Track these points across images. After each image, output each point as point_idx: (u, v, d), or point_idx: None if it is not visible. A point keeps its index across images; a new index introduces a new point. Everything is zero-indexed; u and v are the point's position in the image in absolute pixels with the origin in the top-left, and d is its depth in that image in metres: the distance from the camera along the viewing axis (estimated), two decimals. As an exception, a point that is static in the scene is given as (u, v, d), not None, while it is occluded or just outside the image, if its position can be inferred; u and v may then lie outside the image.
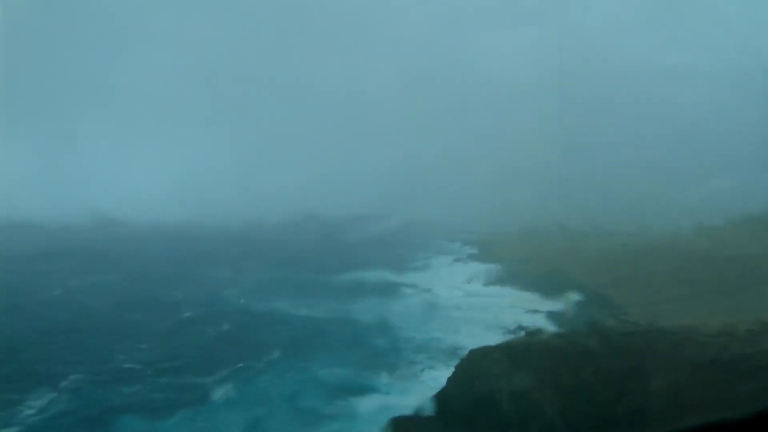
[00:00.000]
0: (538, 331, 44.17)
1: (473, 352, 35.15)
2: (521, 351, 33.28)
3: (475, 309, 68.78)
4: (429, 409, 33.34)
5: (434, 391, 36.34)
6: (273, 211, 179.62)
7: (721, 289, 54.55)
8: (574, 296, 66.77)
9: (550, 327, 53.29)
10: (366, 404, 38.72)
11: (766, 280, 54.55)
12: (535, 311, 64.31)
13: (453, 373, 35.68)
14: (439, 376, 40.59)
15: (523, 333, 47.67)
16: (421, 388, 40.41)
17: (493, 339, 43.33)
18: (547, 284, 74.39)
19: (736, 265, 60.07)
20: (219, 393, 40.77)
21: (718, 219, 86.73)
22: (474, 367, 33.35)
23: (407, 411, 34.84)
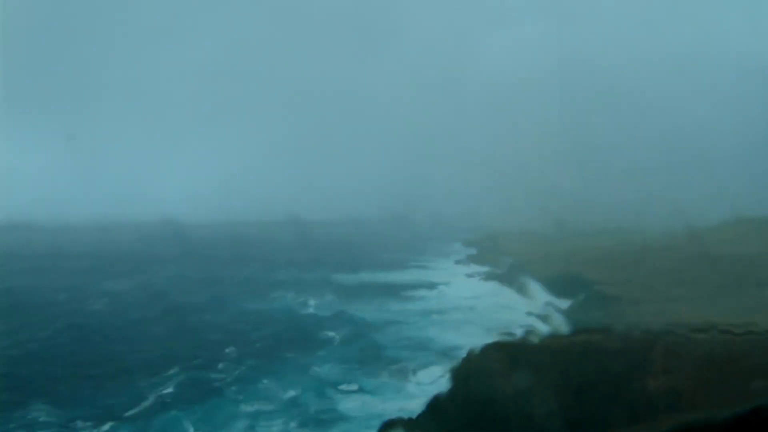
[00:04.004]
0: (538, 331, 44.18)
1: (472, 352, 35.12)
2: (521, 350, 33.23)
3: (475, 309, 68.86)
4: (427, 409, 33.24)
5: (432, 392, 36.33)
6: (271, 212, 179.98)
7: (721, 289, 54.49)
8: (574, 296, 66.72)
9: (549, 327, 53.29)
10: (364, 404, 38.76)
11: (766, 280, 54.51)
12: (535, 311, 64.29)
13: (451, 372, 35.65)
14: (438, 375, 40.64)
15: (522, 333, 47.65)
16: (419, 388, 40.44)
17: (493, 339, 43.31)
18: (546, 284, 74.36)
19: (736, 265, 60.01)
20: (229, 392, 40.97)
21: (718, 219, 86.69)
22: (473, 366, 33.31)
23: (405, 411, 34.85)
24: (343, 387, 41.92)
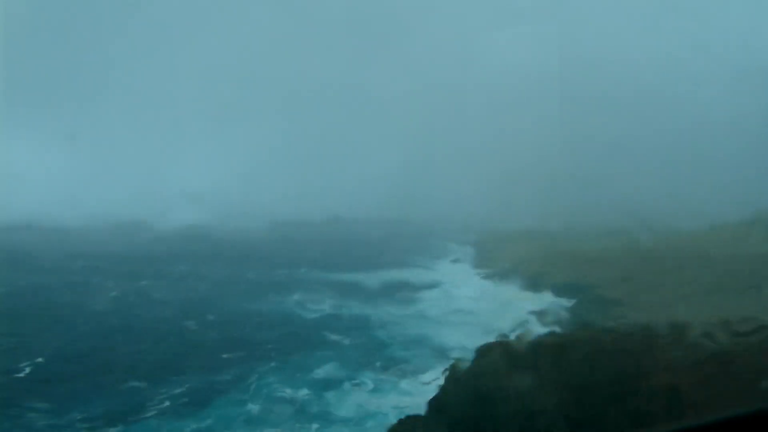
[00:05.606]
0: (538, 331, 44.21)
1: (473, 352, 35.20)
2: (521, 350, 33.30)
3: (475, 309, 68.91)
4: (429, 409, 33.34)
5: (433, 391, 36.42)
6: (272, 213, 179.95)
7: (721, 289, 54.54)
8: (575, 296, 66.77)
9: (550, 327, 53.31)
10: (365, 402, 38.89)
11: (766, 280, 54.52)
12: (535, 311, 64.32)
13: (452, 372, 35.73)
14: (438, 375, 40.73)
15: (522, 332, 47.67)
16: (420, 387, 40.54)
17: (493, 338, 43.42)
18: (546, 284, 74.44)
19: (736, 265, 60.04)
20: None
21: (719, 219, 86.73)
22: (474, 365, 33.38)
23: (407, 410, 34.93)
24: (346, 386, 42.15)
